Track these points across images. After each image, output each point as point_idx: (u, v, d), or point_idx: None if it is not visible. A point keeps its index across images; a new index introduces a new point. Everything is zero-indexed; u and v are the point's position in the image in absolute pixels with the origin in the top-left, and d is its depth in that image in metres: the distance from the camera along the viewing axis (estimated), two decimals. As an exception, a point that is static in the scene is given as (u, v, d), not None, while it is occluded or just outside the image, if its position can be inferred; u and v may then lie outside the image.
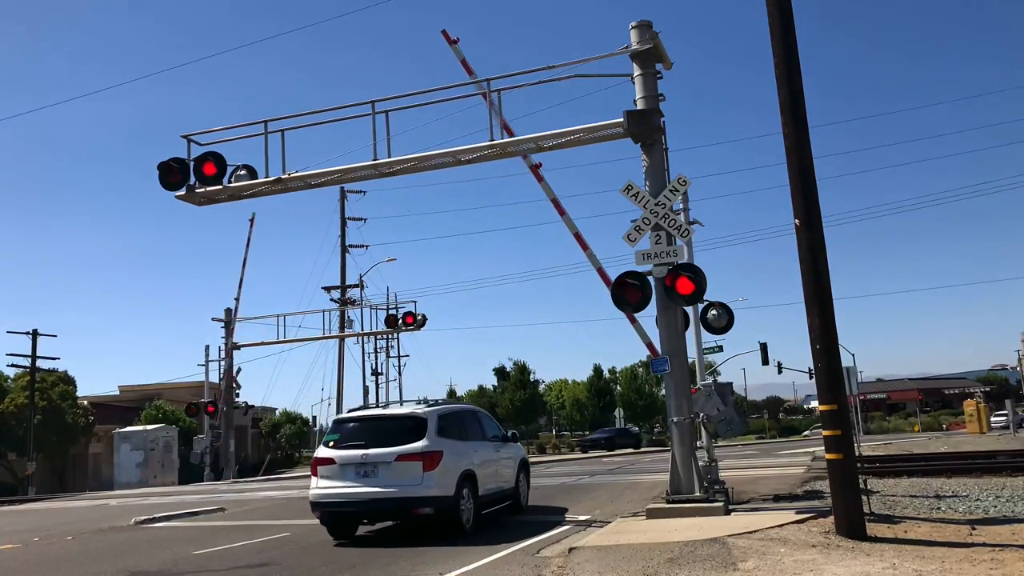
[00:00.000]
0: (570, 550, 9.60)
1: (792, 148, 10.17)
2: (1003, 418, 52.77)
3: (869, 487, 13.35)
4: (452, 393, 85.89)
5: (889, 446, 32.50)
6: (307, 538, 12.82)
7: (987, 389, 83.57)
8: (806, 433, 69.10)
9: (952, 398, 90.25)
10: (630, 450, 52.21)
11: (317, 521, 12.39)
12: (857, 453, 10.09)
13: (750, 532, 9.80)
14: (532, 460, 37.22)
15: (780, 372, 60.30)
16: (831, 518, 9.98)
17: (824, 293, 9.91)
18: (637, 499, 14.96)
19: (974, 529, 9.83)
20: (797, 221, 10.11)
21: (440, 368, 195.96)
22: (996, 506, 12.27)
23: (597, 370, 77.11)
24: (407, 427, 12.03)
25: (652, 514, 11.95)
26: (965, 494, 13.62)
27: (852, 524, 9.30)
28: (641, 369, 74.01)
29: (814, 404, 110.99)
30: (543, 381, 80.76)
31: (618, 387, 76.02)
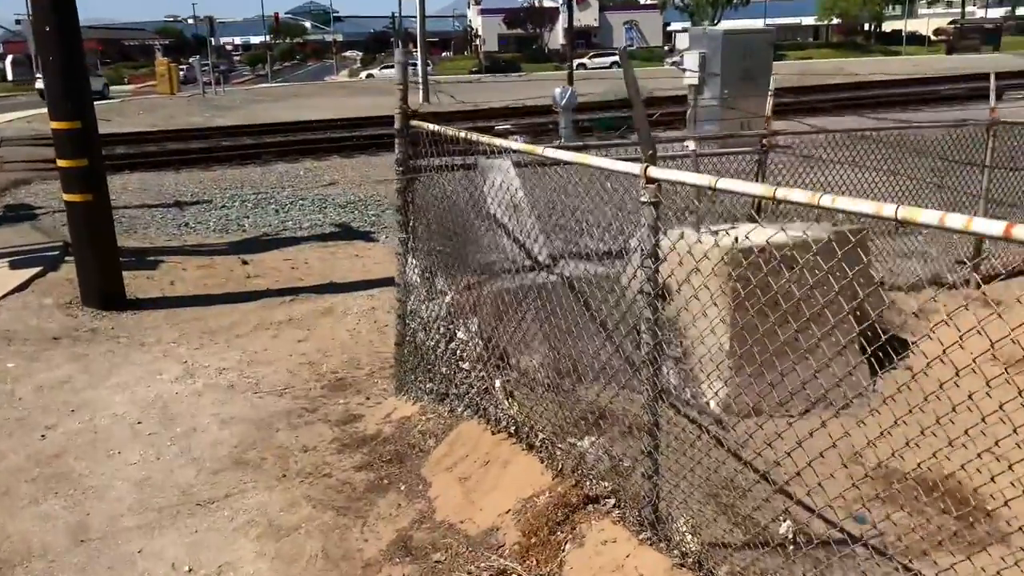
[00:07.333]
0: None
1: None
2: (183, 72, 51.24)
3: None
4: None
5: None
6: None
7: (167, 43, 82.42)
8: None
9: (132, 50, 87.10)
10: None
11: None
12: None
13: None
14: None
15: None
16: (63, 272, 7.23)
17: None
18: None
19: (246, 264, 8.23)
20: None
21: None
22: (245, 215, 10.92)
23: None
24: None
25: None
26: (207, 199, 11.90)
27: (107, 293, 6.66)
28: None
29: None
30: None
31: None
